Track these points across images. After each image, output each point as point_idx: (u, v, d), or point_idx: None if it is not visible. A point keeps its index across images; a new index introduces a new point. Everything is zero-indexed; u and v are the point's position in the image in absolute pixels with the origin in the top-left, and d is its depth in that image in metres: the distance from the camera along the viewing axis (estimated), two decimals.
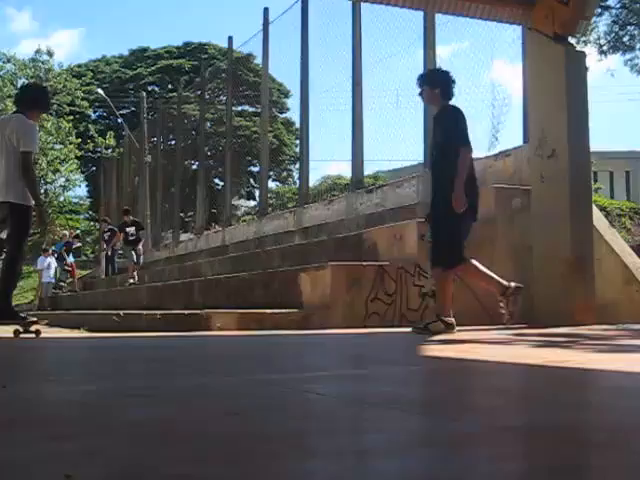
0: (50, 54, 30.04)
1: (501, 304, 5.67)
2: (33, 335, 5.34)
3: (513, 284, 5.65)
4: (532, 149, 7.43)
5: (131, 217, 15.95)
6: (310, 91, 13.10)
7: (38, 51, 29.87)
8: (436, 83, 5.58)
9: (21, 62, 29.40)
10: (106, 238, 18.68)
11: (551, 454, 1.32)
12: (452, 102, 5.65)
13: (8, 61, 29.32)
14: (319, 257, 8.31)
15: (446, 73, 5.97)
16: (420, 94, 5.78)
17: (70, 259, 19.49)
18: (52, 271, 19.29)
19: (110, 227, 19.18)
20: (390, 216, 9.27)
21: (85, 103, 31.02)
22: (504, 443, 1.45)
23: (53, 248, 21.25)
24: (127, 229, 15.57)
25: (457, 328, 5.59)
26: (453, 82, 5.67)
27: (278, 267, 8.92)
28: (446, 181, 5.45)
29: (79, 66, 37.23)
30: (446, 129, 5.52)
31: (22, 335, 5.29)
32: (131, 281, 14.36)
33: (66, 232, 22.08)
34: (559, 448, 1.38)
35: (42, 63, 29.68)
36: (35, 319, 5.60)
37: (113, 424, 1.67)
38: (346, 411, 1.89)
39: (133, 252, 15.39)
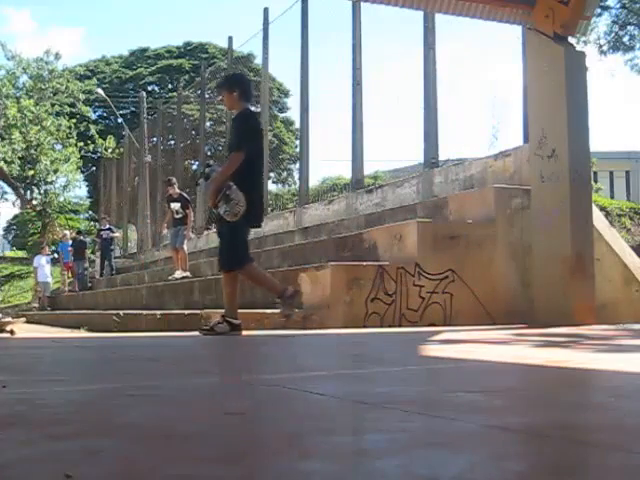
0: (58, 57, 30.03)
1: (278, 306, 5.66)
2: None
3: (291, 288, 5.64)
4: (532, 149, 7.43)
5: (177, 189, 12.00)
6: (310, 91, 13.11)
7: (47, 52, 29.85)
8: (233, 86, 5.63)
9: (25, 61, 29.36)
10: (104, 236, 18.64)
11: (551, 454, 1.32)
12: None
13: (12, 57, 29.27)
14: (319, 257, 8.31)
15: (242, 75, 6.24)
16: (221, 101, 5.83)
17: (71, 258, 19.43)
18: (48, 270, 19.23)
19: (109, 226, 19.18)
20: (390, 216, 9.27)
21: (85, 106, 30.99)
22: (504, 443, 1.45)
23: (53, 248, 21.23)
24: (172, 205, 11.91)
25: (457, 328, 5.59)
26: (250, 85, 5.79)
27: (278, 267, 8.92)
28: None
29: (79, 66, 37.23)
30: (236, 133, 5.56)
31: None
32: (179, 274, 11.25)
33: (67, 232, 22.04)
34: (559, 448, 1.38)
35: (46, 64, 29.65)
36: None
37: (113, 424, 1.67)
38: (346, 411, 1.89)
39: (177, 236, 11.93)
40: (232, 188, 5.14)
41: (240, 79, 5.95)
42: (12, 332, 5.41)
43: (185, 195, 12.48)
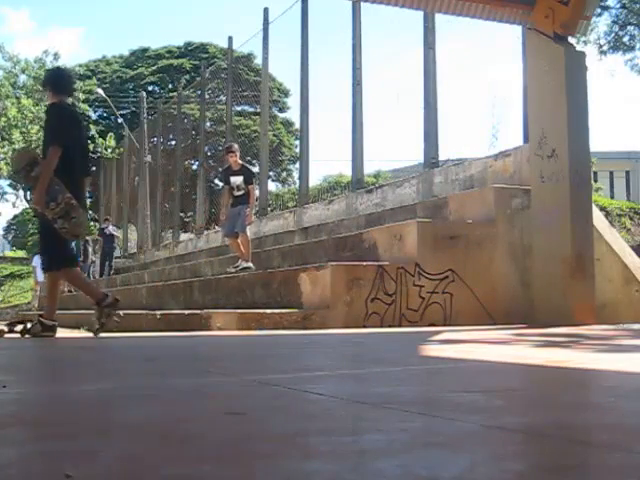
0: (57, 57, 30.02)
1: (94, 313, 5.57)
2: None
3: (111, 296, 5.58)
4: (532, 149, 7.43)
5: (238, 159, 9.55)
6: (310, 91, 13.11)
7: (46, 52, 29.85)
8: (46, 83, 5.77)
9: (24, 62, 29.37)
10: (108, 234, 18.62)
11: (551, 454, 1.32)
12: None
13: (10, 59, 29.27)
14: (319, 257, 8.31)
15: (55, 70, 6.58)
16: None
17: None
18: None
19: (112, 227, 19.18)
20: (390, 216, 9.27)
21: (84, 105, 30.99)
22: (504, 443, 1.45)
23: None
24: (231, 179, 9.49)
25: (457, 328, 5.59)
26: (64, 77, 5.75)
27: (278, 267, 8.92)
28: None
29: (80, 66, 37.24)
30: (46, 127, 5.68)
31: None
32: (243, 264, 9.25)
33: None
34: (559, 448, 1.38)
35: (43, 65, 29.64)
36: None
37: (113, 424, 1.67)
38: (346, 411, 1.89)
39: (238, 218, 9.40)
40: (66, 199, 4.98)
41: (51, 74, 6.00)
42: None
43: (248, 167, 9.89)
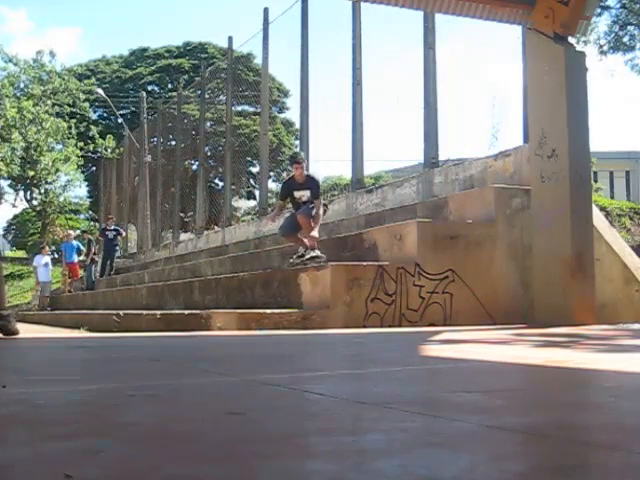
0: (52, 55, 30.03)
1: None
2: None
3: (8, 311, 5.52)
4: (532, 149, 7.43)
5: (304, 170, 8.23)
6: (310, 91, 13.11)
7: (39, 52, 29.86)
8: None
9: (23, 63, 29.38)
10: (110, 237, 18.62)
11: (551, 454, 1.32)
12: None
13: (10, 61, 29.29)
14: None
15: None
16: None
17: (74, 258, 19.40)
18: (48, 270, 19.19)
19: (115, 227, 19.18)
20: (390, 216, 9.27)
21: (84, 104, 30.99)
22: (504, 443, 1.45)
23: (53, 248, 21.19)
24: (296, 193, 8.21)
25: (457, 328, 5.59)
26: None
27: (278, 267, 8.92)
28: None
29: (79, 66, 37.24)
30: None
31: None
32: (312, 253, 7.97)
33: (71, 232, 22.03)
34: (559, 448, 1.38)
35: (42, 65, 29.66)
36: None
37: (113, 424, 1.67)
38: (346, 411, 1.89)
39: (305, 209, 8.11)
40: None
41: None
42: None
43: (315, 178, 8.37)
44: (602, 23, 21.74)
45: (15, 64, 29.38)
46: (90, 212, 38.59)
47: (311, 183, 8.16)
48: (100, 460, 1.28)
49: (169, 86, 35.74)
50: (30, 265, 22.99)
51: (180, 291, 10.04)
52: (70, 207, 33.47)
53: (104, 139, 28.24)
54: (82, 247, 20.01)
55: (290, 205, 8.47)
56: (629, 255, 8.58)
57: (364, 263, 7.25)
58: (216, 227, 17.98)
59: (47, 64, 29.73)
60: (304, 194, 8.09)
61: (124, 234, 20.90)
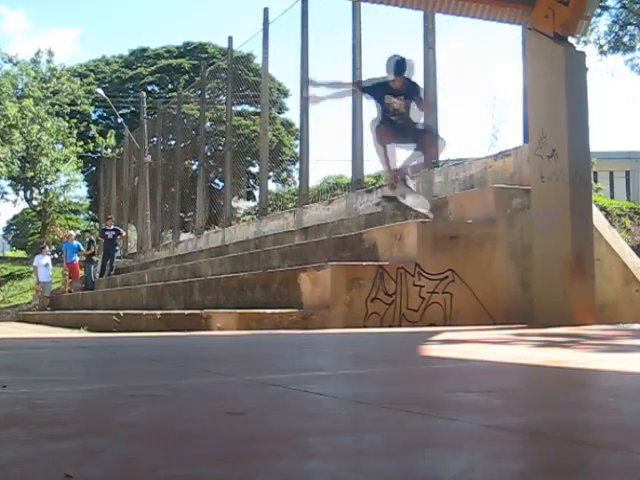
0: (51, 54, 30.03)
1: None
2: None
3: None
4: (532, 149, 7.43)
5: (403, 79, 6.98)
6: (310, 91, 13.10)
7: (38, 52, 29.85)
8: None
9: (23, 63, 29.38)
10: (110, 237, 18.63)
11: (551, 454, 1.32)
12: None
13: (10, 61, 29.29)
14: (319, 257, 8.31)
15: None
16: None
17: (75, 258, 19.39)
18: (48, 270, 19.19)
19: (114, 227, 19.19)
20: (390, 216, 9.27)
21: (86, 102, 30.99)
22: (504, 443, 1.45)
23: (53, 248, 21.17)
24: (392, 99, 6.94)
25: (457, 328, 5.59)
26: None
27: (278, 267, 8.92)
28: None
29: (80, 66, 37.25)
30: None
31: None
32: (389, 192, 7.26)
33: (72, 232, 22.02)
34: (559, 448, 1.38)
35: (42, 63, 29.68)
36: None
37: (113, 424, 1.67)
38: (346, 411, 1.89)
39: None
40: None
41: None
42: None
43: (417, 84, 7.18)
44: (602, 23, 21.76)
45: (15, 64, 29.38)
46: (90, 212, 38.59)
47: (411, 89, 6.89)
48: (100, 460, 1.28)
49: (169, 86, 35.74)
50: (30, 265, 22.97)
51: (180, 291, 10.04)
52: (70, 207, 33.46)
53: (105, 138, 28.22)
54: (82, 247, 20.01)
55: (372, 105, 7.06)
56: (629, 255, 8.57)
57: (364, 263, 7.25)
58: (216, 227, 17.98)
59: (46, 63, 29.74)
60: (398, 101, 6.78)
61: (124, 234, 20.91)
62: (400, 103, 6.85)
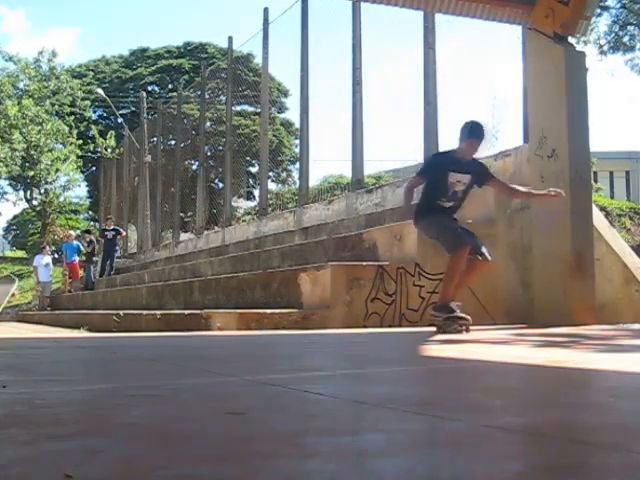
0: (54, 55, 30.04)
1: None
2: None
3: None
4: (532, 149, 7.43)
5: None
6: (310, 90, 13.11)
7: (42, 52, 29.85)
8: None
9: (24, 62, 29.38)
10: (110, 237, 18.63)
11: (551, 454, 1.32)
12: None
13: (10, 59, 29.28)
14: (319, 257, 8.31)
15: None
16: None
17: (75, 258, 19.39)
18: (48, 270, 19.18)
19: (114, 227, 19.19)
20: (390, 216, 9.27)
21: (86, 102, 31.00)
22: (504, 443, 1.45)
23: (53, 248, 21.16)
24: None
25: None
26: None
27: (278, 267, 8.92)
28: None
29: (79, 66, 37.25)
30: None
31: None
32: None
33: (72, 232, 22.02)
34: (559, 448, 1.38)
35: (42, 62, 29.67)
36: None
37: (113, 424, 1.67)
38: (346, 411, 1.89)
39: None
40: None
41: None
42: None
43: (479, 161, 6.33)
44: (602, 23, 21.79)
45: (15, 63, 29.37)
46: (90, 212, 38.61)
47: (474, 165, 5.98)
48: (100, 460, 1.28)
49: (169, 86, 35.75)
50: (30, 265, 22.97)
51: (180, 291, 10.04)
52: (70, 207, 33.48)
53: (105, 138, 28.23)
54: (82, 247, 20.01)
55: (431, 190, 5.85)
56: (629, 255, 8.57)
57: (364, 263, 7.25)
58: (216, 227, 17.99)
59: (47, 62, 29.73)
60: (463, 179, 5.82)
61: (124, 233, 20.91)
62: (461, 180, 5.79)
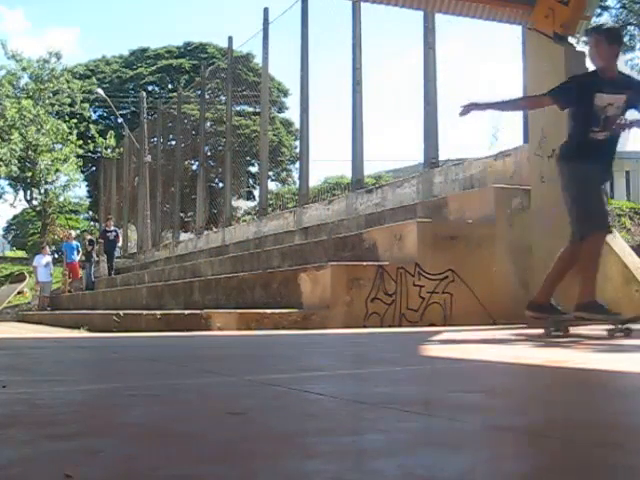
0: (58, 57, 30.07)
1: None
2: None
3: None
4: (532, 149, 7.43)
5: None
6: (310, 90, 13.12)
7: (50, 53, 29.88)
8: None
9: (26, 60, 29.37)
10: (111, 238, 18.65)
11: (551, 454, 1.32)
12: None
13: (12, 57, 29.26)
14: (319, 257, 8.32)
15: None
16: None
17: (75, 258, 19.39)
18: (48, 270, 19.18)
19: (114, 228, 19.20)
20: (390, 216, 9.27)
21: (85, 105, 30.99)
22: (504, 443, 1.45)
23: (53, 248, 21.16)
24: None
25: (457, 328, 5.59)
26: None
27: (278, 267, 8.93)
28: None
29: (77, 65, 37.24)
30: None
31: None
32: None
33: (72, 232, 22.03)
34: (559, 448, 1.38)
35: (46, 62, 29.66)
36: None
37: (113, 424, 1.67)
38: (346, 411, 1.89)
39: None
40: None
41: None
42: None
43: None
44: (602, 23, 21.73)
45: (18, 61, 29.35)
46: (90, 212, 38.59)
47: (631, 81, 5.11)
48: (100, 460, 1.28)
49: (169, 86, 35.77)
50: (30, 265, 22.97)
51: (180, 291, 10.04)
52: (70, 207, 33.47)
53: (105, 138, 28.22)
54: (80, 248, 20.01)
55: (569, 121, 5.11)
56: (629, 255, 8.57)
57: (364, 263, 7.25)
58: (215, 228, 17.99)
59: (52, 63, 29.74)
60: (618, 100, 4.78)
61: (120, 236, 20.92)
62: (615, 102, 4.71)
